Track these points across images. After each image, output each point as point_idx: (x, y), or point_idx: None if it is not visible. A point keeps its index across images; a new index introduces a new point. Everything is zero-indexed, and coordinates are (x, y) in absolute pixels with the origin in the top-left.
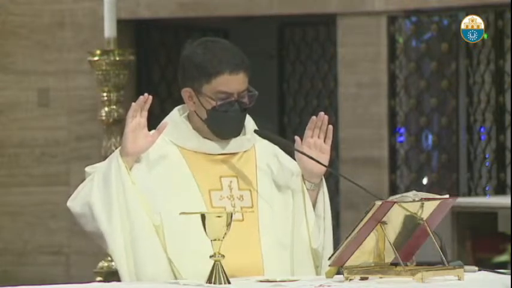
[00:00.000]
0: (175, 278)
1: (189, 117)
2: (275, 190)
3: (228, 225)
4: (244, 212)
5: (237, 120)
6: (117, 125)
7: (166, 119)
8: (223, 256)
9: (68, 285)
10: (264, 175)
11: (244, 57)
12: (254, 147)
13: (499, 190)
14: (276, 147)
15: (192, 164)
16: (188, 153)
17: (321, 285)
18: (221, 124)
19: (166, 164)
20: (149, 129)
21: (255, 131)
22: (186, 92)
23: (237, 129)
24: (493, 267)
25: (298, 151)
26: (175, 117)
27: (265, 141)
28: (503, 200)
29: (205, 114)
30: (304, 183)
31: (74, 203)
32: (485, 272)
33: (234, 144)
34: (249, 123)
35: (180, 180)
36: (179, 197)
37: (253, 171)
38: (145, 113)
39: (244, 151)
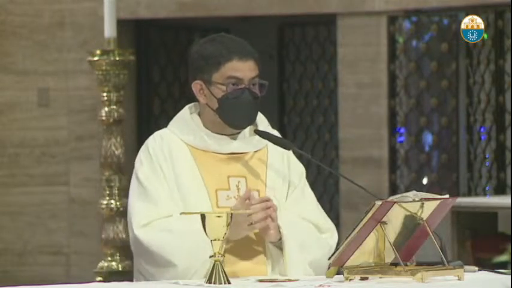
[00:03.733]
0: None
1: (200, 114)
2: (286, 189)
3: (228, 225)
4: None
5: (248, 108)
6: (117, 125)
7: (177, 117)
8: (223, 256)
9: (68, 285)
10: (275, 175)
11: (254, 49)
12: (267, 147)
13: (499, 190)
14: None
15: (200, 163)
16: (197, 152)
17: (321, 285)
18: (233, 112)
19: (175, 163)
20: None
21: (255, 131)
22: (196, 85)
23: (249, 118)
24: (493, 267)
25: (298, 151)
26: (185, 115)
27: None
28: (503, 200)
29: (216, 103)
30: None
31: (148, 238)
32: (485, 272)
33: (244, 144)
34: (262, 123)
35: (187, 179)
36: (186, 196)
37: (263, 171)
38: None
39: (256, 151)
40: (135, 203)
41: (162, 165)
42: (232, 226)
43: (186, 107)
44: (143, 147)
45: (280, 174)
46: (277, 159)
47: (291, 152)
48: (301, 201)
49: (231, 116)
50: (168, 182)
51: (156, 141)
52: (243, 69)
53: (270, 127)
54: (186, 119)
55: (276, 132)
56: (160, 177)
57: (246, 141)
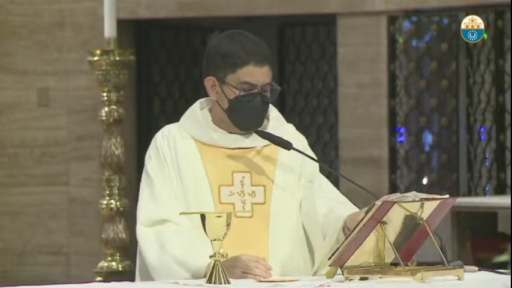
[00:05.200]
0: None
1: (210, 110)
2: (295, 185)
3: (228, 225)
4: (255, 210)
5: (257, 112)
6: (117, 125)
7: (188, 111)
8: (223, 256)
9: (68, 285)
10: (284, 170)
11: (270, 51)
12: None
13: (499, 190)
14: (303, 141)
15: (206, 157)
16: (204, 146)
17: (321, 285)
18: (242, 114)
19: (180, 158)
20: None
21: (255, 131)
22: (209, 81)
23: (257, 121)
24: (493, 267)
25: (298, 151)
26: (196, 110)
27: (292, 136)
28: (503, 200)
29: (226, 103)
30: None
31: (144, 240)
32: (485, 272)
33: (251, 139)
34: (274, 119)
35: (191, 174)
36: (188, 191)
37: (272, 166)
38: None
39: (264, 146)
40: (144, 198)
41: (167, 161)
42: (229, 266)
43: (198, 102)
44: (152, 142)
45: (292, 172)
46: (289, 157)
47: (307, 147)
48: (325, 189)
49: (240, 118)
50: (173, 179)
51: (164, 136)
52: (258, 75)
53: (283, 122)
54: (196, 113)
55: (291, 127)
56: (166, 174)
57: (254, 136)
